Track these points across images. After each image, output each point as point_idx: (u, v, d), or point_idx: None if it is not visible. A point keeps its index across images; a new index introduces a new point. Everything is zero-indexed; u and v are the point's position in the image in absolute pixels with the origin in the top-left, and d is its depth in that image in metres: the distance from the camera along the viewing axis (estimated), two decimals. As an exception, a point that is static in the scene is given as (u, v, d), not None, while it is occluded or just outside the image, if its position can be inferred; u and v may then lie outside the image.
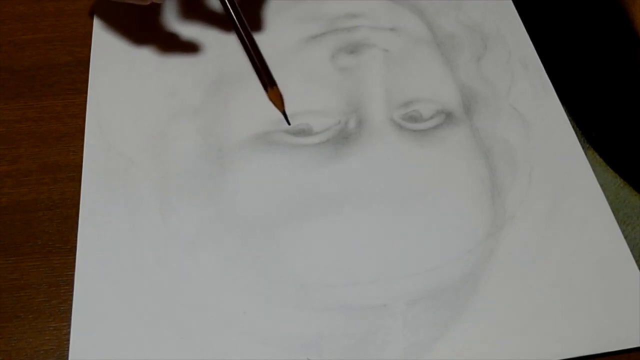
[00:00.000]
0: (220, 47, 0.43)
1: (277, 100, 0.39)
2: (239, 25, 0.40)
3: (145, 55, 0.42)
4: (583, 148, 0.39)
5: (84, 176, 0.37)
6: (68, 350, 0.31)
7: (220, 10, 0.41)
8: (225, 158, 0.37)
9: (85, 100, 0.40)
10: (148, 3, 0.37)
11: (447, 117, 0.39)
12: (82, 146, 0.38)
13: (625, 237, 0.35)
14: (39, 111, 0.40)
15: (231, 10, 0.40)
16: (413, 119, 0.39)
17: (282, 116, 0.39)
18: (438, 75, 0.41)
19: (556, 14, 0.45)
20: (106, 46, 0.42)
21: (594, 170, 0.37)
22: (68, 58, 0.42)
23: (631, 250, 0.35)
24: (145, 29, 0.43)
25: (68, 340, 0.32)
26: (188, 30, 0.43)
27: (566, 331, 0.32)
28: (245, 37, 0.40)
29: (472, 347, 0.31)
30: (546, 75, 0.42)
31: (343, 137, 0.38)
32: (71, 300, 0.33)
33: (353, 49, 0.42)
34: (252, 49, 0.40)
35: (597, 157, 0.38)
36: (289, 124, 0.39)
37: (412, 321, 0.32)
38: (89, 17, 0.44)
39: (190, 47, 0.42)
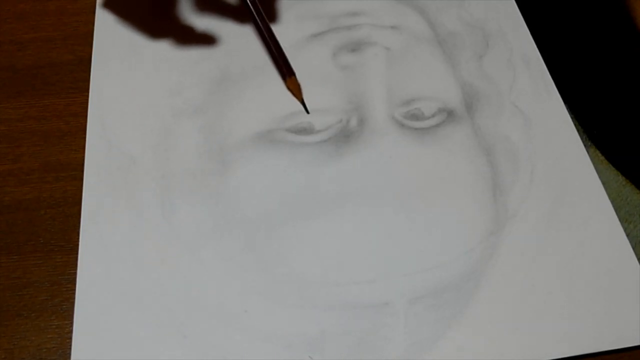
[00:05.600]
0: (223, 45, 0.43)
1: (296, 89, 0.40)
2: (256, 15, 0.40)
3: (147, 54, 0.42)
4: (585, 146, 0.38)
5: (86, 175, 0.37)
6: (70, 348, 0.31)
7: (234, 3, 0.41)
8: (227, 156, 0.37)
9: (87, 99, 0.40)
10: None
11: (449, 115, 0.39)
12: (84, 145, 0.38)
13: (627, 235, 0.35)
14: (40, 110, 0.40)
15: (248, 1, 0.40)
16: (415, 117, 0.39)
17: (284, 114, 0.39)
18: (439, 73, 0.41)
19: (558, 12, 0.45)
20: (108, 45, 0.42)
21: (596, 168, 0.37)
22: (70, 57, 0.42)
23: (633, 249, 0.35)
24: (146, 28, 0.43)
25: (70, 338, 0.32)
26: (190, 28, 0.43)
27: (568, 329, 0.32)
28: (262, 27, 0.41)
29: (474, 345, 0.31)
30: (548, 73, 0.42)
31: (344, 136, 0.38)
32: (73, 298, 0.33)
33: (354, 47, 0.42)
34: (270, 38, 0.40)
35: (599, 155, 0.38)
36: (307, 112, 0.39)
37: (413, 319, 0.32)
38: (90, 16, 0.44)
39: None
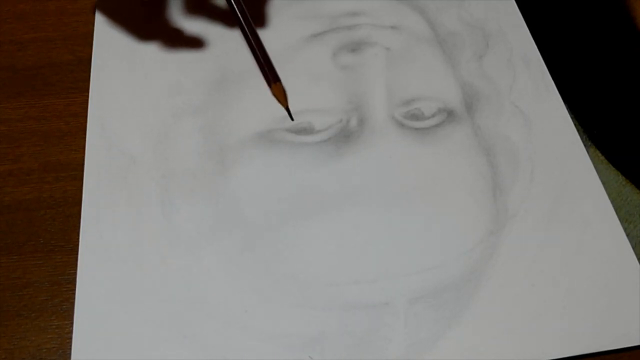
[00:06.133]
0: (223, 45, 0.43)
1: (281, 96, 0.39)
2: (242, 21, 0.40)
3: (147, 54, 0.42)
4: (585, 146, 0.38)
5: (86, 175, 0.37)
6: (70, 348, 0.31)
7: (225, 7, 0.42)
8: (227, 156, 0.37)
9: (87, 99, 0.40)
10: None
11: (449, 115, 0.39)
12: (84, 145, 0.38)
13: (627, 235, 0.35)
14: (40, 110, 0.40)
15: (235, 6, 0.40)
16: (415, 117, 0.39)
17: (284, 114, 0.39)
18: (439, 73, 0.41)
19: (558, 11, 0.45)
20: (108, 45, 0.43)
21: (596, 168, 0.37)
22: (70, 57, 0.42)
23: (633, 249, 0.35)
24: (146, 28, 0.43)
25: (70, 338, 0.32)
26: (190, 28, 0.43)
27: (568, 329, 0.32)
28: (249, 33, 0.40)
29: (474, 345, 0.31)
30: (548, 73, 0.42)
31: (344, 136, 0.38)
32: (73, 298, 0.33)
33: (354, 47, 0.42)
34: (256, 45, 0.41)
35: (599, 155, 0.38)
36: (292, 119, 0.39)
37: (414, 319, 0.32)
38: (90, 16, 0.44)
39: (192, 45, 0.43)
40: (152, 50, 0.42)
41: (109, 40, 0.43)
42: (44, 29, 0.44)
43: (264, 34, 0.43)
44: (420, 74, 0.41)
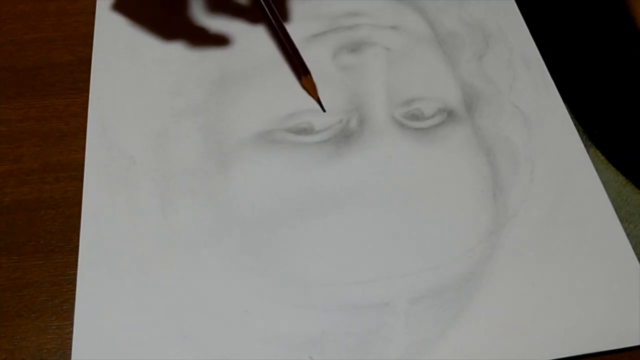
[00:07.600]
0: (223, 46, 0.43)
1: (311, 88, 0.40)
2: (270, 15, 0.40)
3: (147, 54, 0.42)
4: (585, 146, 0.38)
5: (86, 175, 0.37)
6: (71, 349, 0.31)
7: (243, 4, 0.41)
8: (227, 157, 0.37)
9: (87, 100, 0.40)
10: None
11: (449, 115, 0.39)
12: (84, 145, 0.38)
13: (627, 235, 0.35)
14: (41, 110, 0.40)
15: (262, 1, 0.40)
16: (415, 117, 0.39)
17: (284, 114, 0.39)
18: (440, 74, 0.41)
19: (558, 11, 0.45)
20: (108, 45, 0.43)
21: (596, 169, 0.37)
22: (70, 57, 0.42)
23: (633, 249, 0.35)
24: (146, 28, 0.43)
25: (71, 339, 0.32)
26: (190, 28, 0.43)
27: (568, 329, 0.32)
28: (277, 27, 0.41)
29: (474, 346, 0.31)
30: (548, 73, 0.42)
31: (345, 136, 0.38)
32: (74, 299, 0.33)
33: (354, 48, 0.42)
34: (284, 38, 0.41)
35: (599, 155, 0.38)
36: (324, 110, 0.39)
37: (414, 319, 0.32)
38: (90, 16, 0.44)
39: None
40: (152, 50, 0.42)
41: (109, 41, 0.43)
42: (44, 29, 0.44)
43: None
44: (421, 74, 0.41)
